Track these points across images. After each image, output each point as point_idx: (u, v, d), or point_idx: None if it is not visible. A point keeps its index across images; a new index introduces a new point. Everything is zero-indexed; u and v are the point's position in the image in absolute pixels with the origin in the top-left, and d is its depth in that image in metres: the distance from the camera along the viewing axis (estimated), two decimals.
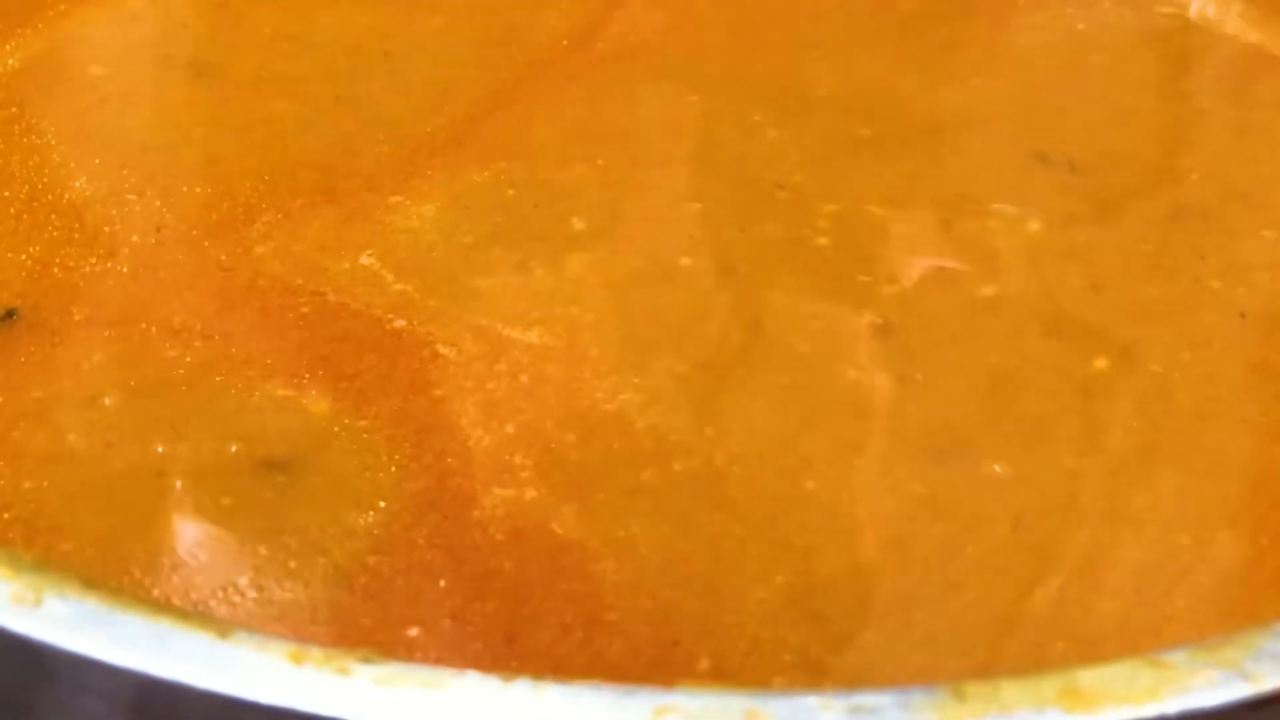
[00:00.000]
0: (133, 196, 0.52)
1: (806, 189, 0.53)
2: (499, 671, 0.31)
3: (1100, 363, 0.48)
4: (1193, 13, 0.63)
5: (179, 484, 0.44)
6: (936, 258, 0.52)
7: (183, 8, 0.63)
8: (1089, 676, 0.31)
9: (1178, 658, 0.31)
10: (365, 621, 0.40)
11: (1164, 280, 0.51)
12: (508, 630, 0.40)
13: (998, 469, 0.45)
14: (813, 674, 0.40)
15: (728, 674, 0.40)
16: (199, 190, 0.52)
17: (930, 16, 0.62)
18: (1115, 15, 0.63)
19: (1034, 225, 0.52)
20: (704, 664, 0.40)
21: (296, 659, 0.30)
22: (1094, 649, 0.40)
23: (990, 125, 0.57)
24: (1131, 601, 0.42)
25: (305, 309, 0.48)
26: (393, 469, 0.44)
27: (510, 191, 0.53)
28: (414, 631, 0.40)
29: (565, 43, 0.60)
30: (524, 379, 0.46)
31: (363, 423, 0.45)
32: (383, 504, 0.43)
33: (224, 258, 0.50)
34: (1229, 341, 0.49)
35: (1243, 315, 0.50)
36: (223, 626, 0.30)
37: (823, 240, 0.51)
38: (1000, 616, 0.42)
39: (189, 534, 0.43)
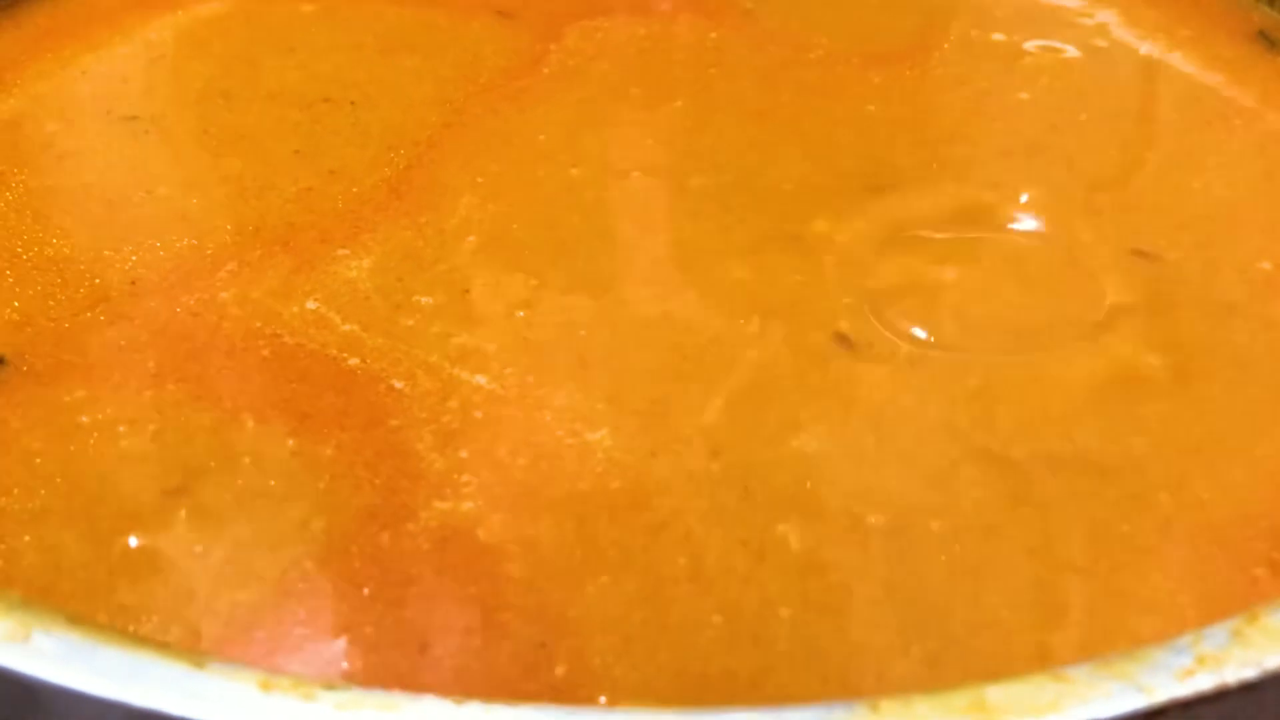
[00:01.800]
0: (109, 252, 0.54)
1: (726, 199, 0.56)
2: (448, 694, 0.32)
3: None
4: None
5: (152, 508, 0.45)
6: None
7: (124, 63, 0.65)
8: (996, 692, 0.33)
9: (1079, 672, 0.33)
10: (298, 631, 0.42)
11: None
12: (421, 638, 0.42)
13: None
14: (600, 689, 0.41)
15: (578, 682, 0.40)
16: (172, 244, 0.54)
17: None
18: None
19: None
20: (560, 669, 0.41)
21: (265, 686, 0.32)
22: None
23: None
24: None
25: (265, 352, 0.50)
26: (345, 488, 0.45)
27: (421, 242, 0.55)
28: (340, 641, 0.42)
29: (511, 69, 0.64)
30: (478, 414, 0.48)
31: (326, 451, 0.46)
32: (327, 516, 0.44)
33: (192, 304, 0.51)
34: None
35: None
36: (198, 657, 0.32)
37: (739, 267, 0.53)
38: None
39: (161, 550, 0.44)
